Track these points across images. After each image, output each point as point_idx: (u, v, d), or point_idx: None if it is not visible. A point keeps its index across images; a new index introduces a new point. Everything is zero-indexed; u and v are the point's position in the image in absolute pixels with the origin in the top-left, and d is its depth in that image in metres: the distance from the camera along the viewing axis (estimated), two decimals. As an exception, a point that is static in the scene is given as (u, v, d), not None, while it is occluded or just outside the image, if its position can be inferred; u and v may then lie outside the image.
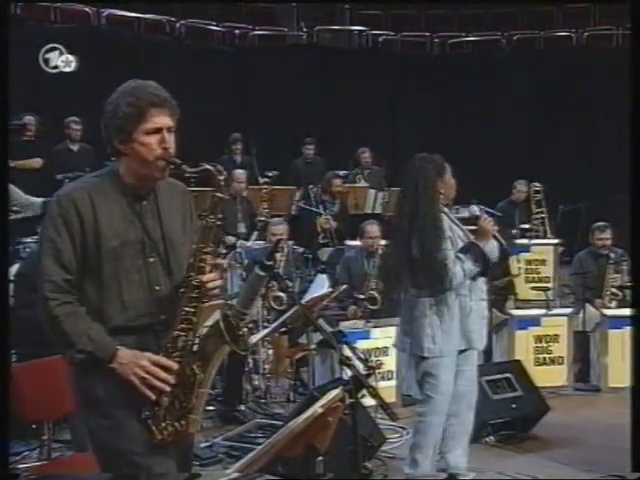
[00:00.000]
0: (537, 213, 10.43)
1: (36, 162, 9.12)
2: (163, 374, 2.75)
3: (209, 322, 2.85)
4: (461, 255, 4.59)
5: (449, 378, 4.70)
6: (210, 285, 2.83)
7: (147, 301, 2.83)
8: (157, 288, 2.85)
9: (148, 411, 2.78)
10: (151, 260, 2.85)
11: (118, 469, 2.78)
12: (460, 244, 4.66)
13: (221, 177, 2.84)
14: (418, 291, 4.66)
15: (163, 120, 2.82)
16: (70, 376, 2.88)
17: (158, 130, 2.81)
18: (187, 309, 2.81)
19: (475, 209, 4.81)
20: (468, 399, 4.85)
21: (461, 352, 4.72)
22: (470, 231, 4.80)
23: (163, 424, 2.78)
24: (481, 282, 4.76)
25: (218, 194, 2.84)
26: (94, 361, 2.75)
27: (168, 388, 2.76)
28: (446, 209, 4.72)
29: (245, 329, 2.86)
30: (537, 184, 10.43)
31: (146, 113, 2.79)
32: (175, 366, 2.78)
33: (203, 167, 2.84)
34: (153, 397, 2.75)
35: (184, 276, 2.84)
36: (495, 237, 4.76)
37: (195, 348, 2.81)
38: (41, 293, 2.76)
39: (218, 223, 2.84)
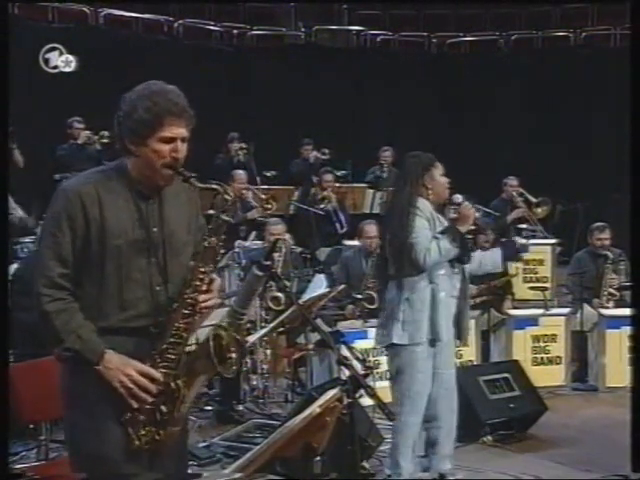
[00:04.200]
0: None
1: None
2: (149, 385, 2.74)
3: (207, 323, 2.85)
4: (438, 235, 4.62)
5: (423, 377, 4.66)
6: (204, 305, 2.83)
7: (147, 301, 2.81)
8: (158, 289, 2.83)
9: (128, 416, 2.76)
10: (153, 260, 2.82)
11: (94, 473, 2.76)
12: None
13: (228, 197, 2.83)
14: (395, 279, 4.69)
15: (179, 130, 2.79)
16: (60, 374, 2.87)
17: (172, 139, 2.78)
18: (179, 324, 2.79)
19: (458, 197, 4.84)
20: (447, 403, 4.81)
21: (432, 346, 4.67)
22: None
23: (142, 431, 2.77)
24: (456, 279, 4.77)
25: (223, 217, 2.82)
26: (81, 361, 2.73)
27: (150, 399, 2.75)
28: (427, 202, 4.71)
29: (234, 355, 2.81)
30: (512, 177, 10.41)
31: (163, 121, 2.75)
32: (161, 378, 2.76)
33: (211, 186, 2.82)
34: (135, 406, 2.74)
35: (180, 292, 2.82)
36: (476, 224, 4.82)
37: (182, 363, 2.79)
38: (36, 288, 2.74)
39: (220, 244, 2.83)
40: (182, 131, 2.80)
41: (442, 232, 4.64)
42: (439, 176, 4.75)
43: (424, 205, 4.68)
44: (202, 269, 2.81)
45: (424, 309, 4.63)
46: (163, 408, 2.77)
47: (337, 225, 9.82)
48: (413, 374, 4.66)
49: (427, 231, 4.61)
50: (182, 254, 2.89)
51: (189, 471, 3.48)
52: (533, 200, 10.28)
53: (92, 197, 2.76)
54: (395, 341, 4.66)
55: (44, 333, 2.77)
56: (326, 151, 11.12)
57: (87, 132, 9.66)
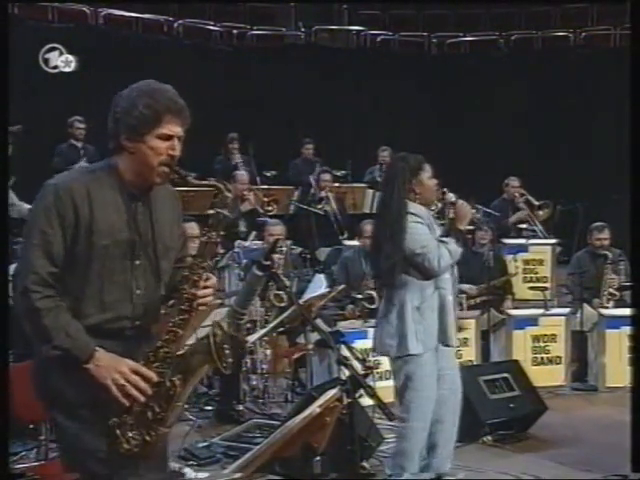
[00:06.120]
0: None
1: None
2: (142, 383, 2.70)
3: (206, 322, 2.84)
4: (443, 238, 4.57)
5: (431, 381, 4.64)
6: (202, 300, 2.82)
7: (126, 304, 2.79)
8: (137, 292, 2.80)
9: (116, 418, 2.71)
10: (137, 263, 2.80)
11: (86, 469, 2.72)
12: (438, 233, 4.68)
13: (228, 194, 2.82)
14: (400, 288, 4.60)
15: (176, 129, 2.79)
16: (36, 375, 2.82)
17: (170, 137, 2.78)
18: (175, 321, 2.78)
19: (451, 195, 4.76)
20: (452, 403, 4.78)
21: (440, 350, 4.68)
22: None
23: (131, 434, 2.72)
24: (454, 279, 4.77)
25: (223, 212, 2.81)
26: (69, 359, 2.68)
27: (143, 398, 2.71)
28: (422, 207, 4.65)
29: (227, 352, 2.78)
30: (513, 178, 10.43)
31: (162, 118, 2.76)
32: (155, 377, 2.73)
33: (211, 182, 2.83)
34: (127, 404, 2.70)
35: (177, 288, 2.81)
36: (473, 222, 4.79)
37: (177, 361, 2.76)
38: (23, 284, 2.69)
39: (218, 240, 2.82)
40: (179, 130, 2.81)
41: (445, 235, 4.60)
42: (427, 179, 4.63)
43: (421, 211, 4.60)
44: (201, 264, 2.81)
45: (434, 316, 4.60)
46: (156, 408, 2.73)
47: (337, 229, 9.81)
48: (423, 379, 4.61)
49: (430, 237, 4.56)
50: (169, 257, 2.88)
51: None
52: (535, 203, 10.30)
53: (83, 195, 2.73)
54: (412, 352, 4.57)
55: (31, 330, 2.71)
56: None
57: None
